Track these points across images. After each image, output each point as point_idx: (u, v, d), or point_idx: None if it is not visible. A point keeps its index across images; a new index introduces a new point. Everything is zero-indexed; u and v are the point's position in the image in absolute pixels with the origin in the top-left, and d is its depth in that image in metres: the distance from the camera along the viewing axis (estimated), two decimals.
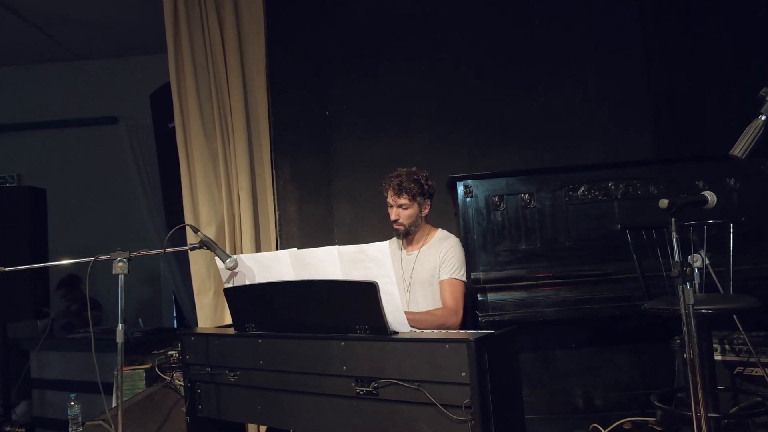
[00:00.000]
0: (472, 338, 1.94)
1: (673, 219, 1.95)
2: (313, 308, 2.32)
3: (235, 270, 2.57)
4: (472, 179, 3.48)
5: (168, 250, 2.46)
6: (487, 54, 4.04)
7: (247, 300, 2.55)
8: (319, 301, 2.30)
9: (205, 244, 2.51)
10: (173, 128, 3.78)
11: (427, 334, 2.19)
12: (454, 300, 2.83)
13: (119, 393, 2.39)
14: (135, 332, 5.22)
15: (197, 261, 3.64)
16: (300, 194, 4.05)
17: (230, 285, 2.64)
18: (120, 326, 2.36)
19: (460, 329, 2.83)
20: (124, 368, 3.83)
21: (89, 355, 5.30)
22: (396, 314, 2.16)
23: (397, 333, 2.16)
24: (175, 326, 6.86)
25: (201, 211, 3.64)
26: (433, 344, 2.02)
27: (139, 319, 6.13)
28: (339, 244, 3.68)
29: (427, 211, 2.97)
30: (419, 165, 3.39)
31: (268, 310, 2.48)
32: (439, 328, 2.73)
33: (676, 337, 3.06)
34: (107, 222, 6.48)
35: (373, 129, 4.04)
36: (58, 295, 6.06)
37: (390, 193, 2.90)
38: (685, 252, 2.78)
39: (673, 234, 1.94)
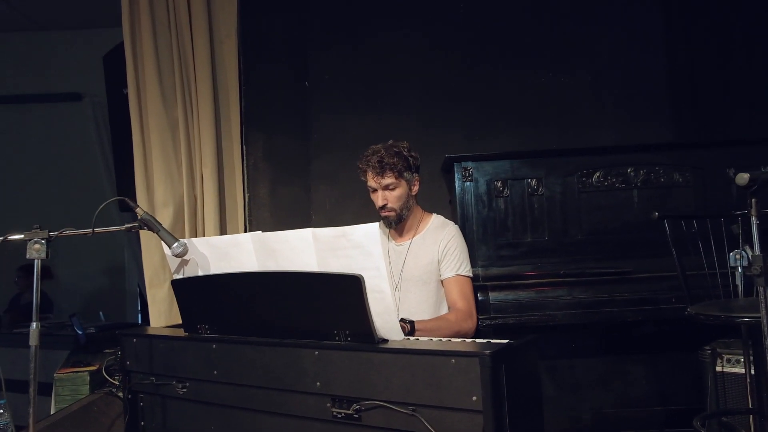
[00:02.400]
0: (486, 352, 1.45)
1: (753, 200, 1.47)
2: (280, 307, 1.87)
3: (185, 257, 2.05)
4: (473, 161, 3.01)
5: (98, 230, 1.93)
6: (488, 24, 3.57)
7: (200, 295, 2.08)
8: (289, 297, 1.83)
9: (145, 223, 1.98)
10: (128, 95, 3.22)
11: (425, 344, 1.69)
12: (466, 301, 2.35)
13: (32, 410, 1.84)
14: (89, 327, 4.69)
15: (150, 247, 3.10)
16: (274, 175, 3.54)
17: (180, 276, 2.13)
18: (33, 325, 1.83)
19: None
20: (66, 370, 3.33)
21: (40, 352, 4.74)
22: (386, 317, 1.67)
23: (386, 341, 1.68)
24: (140, 321, 6.34)
25: (156, 189, 3.10)
26: (435, 358, 1.54)
27: (101, 313, 5.60)
28: None
29: (416, 188, 2.49)
30: (411, 145, 2.93)
31: (224, 308, 2.03)
32: (455, 336, 2.26)
33: (707, 347, 2.60)
34: (70, 204, 5.91)
35: (359, 104, 3.55)
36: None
37: (370, 174, 2.41)
38: (720, 248, 2.35)
39: (753, 219, 1.47)
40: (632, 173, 2.98)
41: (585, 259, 2.90)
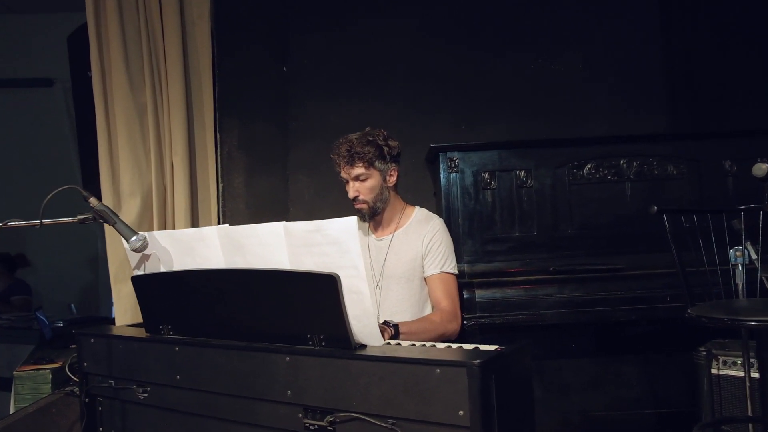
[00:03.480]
0: (475, 361, 1.30)
1: None
2: (249, 307, 1.70)
3: (147, 251, 1.87)
4: (458, 151, 2.86)
5: (46, 221, 1.74)
6: (477, 9, 3.40)
7: (162, 293, 1.92)
8: (258, 297, 1.67)
9: (99, 214, 1.79)
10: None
11: (407, 351, 1.54)
12: (451, 300, 2.20)
13: None
14: (57, 321, 4.49)
15: (114, 239, 2.90)
16: (249, 164, 3.33)
17: (140, 272, 1.95)
18: None
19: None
20: (27, 368, 3.15)
21: (4, 346, 4.51)
22: (365, 321, 1.51)
23: (365, 347, 1.53)
24: (113, 315, 6.13)
25: (122, 178, 2.90)
26: (418, 367, 1.39)
27: (72, 305, 5.39)
28: None
29: (393, 179, 2.32)
30: (394, 134, 2.76)
31: (188, 307, 1.87)
32: (440, 339, 2.12)
33: (702, 348, 2.47)
34: (41, 193, 5.66)
35: (341, 90, 3.37)
36: None
37: (341, 164, 2.26)
38: (720, 244, 2.21)
39: None
40: (625, 165, 2.84)
41: (576, 254, 2.77)
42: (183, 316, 1.86)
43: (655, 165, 2.84)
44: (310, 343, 1.57)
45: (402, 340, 1.93)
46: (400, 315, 2.21)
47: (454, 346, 1.65)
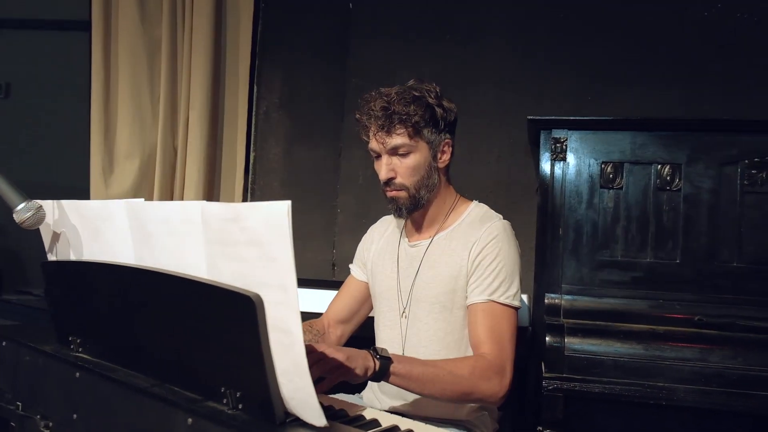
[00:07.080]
0: None
1: None
2: (156, 329, 1.29)
3: (57, 230, 1.51)
4: (570, 128, 2.29)
5: None
6: None
7: (69, 291, 1.57)
8: (165, 316, 1.25)
9: None
10: None
11: None
12: (497, 345, 1.60)
13: None
14: None
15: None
16: (292, 129, 2.98)
17: (53, 257, 1.60)
18: None
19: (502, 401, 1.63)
20: None
21: None
22: (297, 381, 1.04)
23: (302, 426, 1.05)
24: None
25: (119, 134, 2.63)
26: None
27: None
28: (342, 214, 2.57)
29: (447, 157, 1.80)
30: (489, 106, 2.22)
31: (94, 315, 1.49)
32: (465, 398, 1.59)
33: None
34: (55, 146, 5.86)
35: (420, 42, 2.92)
36: None
37: (373, 129, 1.74)
38: None
39: None
40: None
41: (740, 302, 2.09)
42: (90, 326, 1.50)
43: None
44: (224, 400, 1.12)
45: (394, 383, 1.43)
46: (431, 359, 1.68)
47: None
